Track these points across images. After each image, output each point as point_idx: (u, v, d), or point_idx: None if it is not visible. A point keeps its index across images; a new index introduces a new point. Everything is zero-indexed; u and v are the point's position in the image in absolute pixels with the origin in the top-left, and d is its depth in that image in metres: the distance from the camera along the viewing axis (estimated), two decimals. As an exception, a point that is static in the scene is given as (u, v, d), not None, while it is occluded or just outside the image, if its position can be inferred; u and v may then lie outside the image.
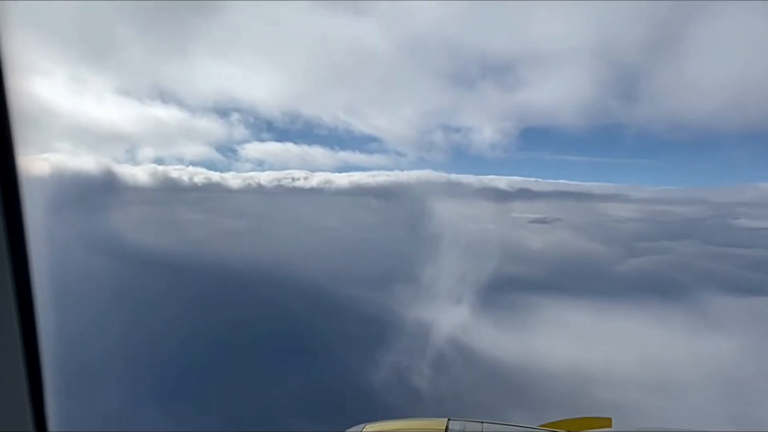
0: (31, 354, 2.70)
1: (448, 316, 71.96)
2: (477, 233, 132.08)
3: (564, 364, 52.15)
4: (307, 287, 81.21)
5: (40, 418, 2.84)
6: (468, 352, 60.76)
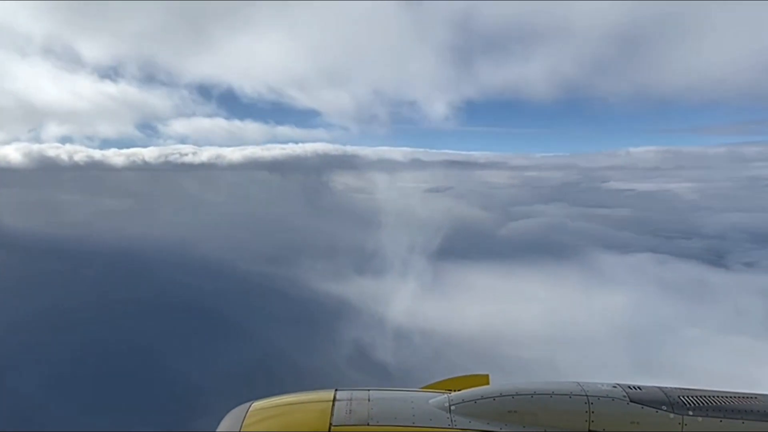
0: None
1: (353, 287, 72.34)
2: (375, 203, 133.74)
3: (471, 325, 54.86)
4: (190, 263, 77.53)
5: None
6: (376, 320, 61.62)
